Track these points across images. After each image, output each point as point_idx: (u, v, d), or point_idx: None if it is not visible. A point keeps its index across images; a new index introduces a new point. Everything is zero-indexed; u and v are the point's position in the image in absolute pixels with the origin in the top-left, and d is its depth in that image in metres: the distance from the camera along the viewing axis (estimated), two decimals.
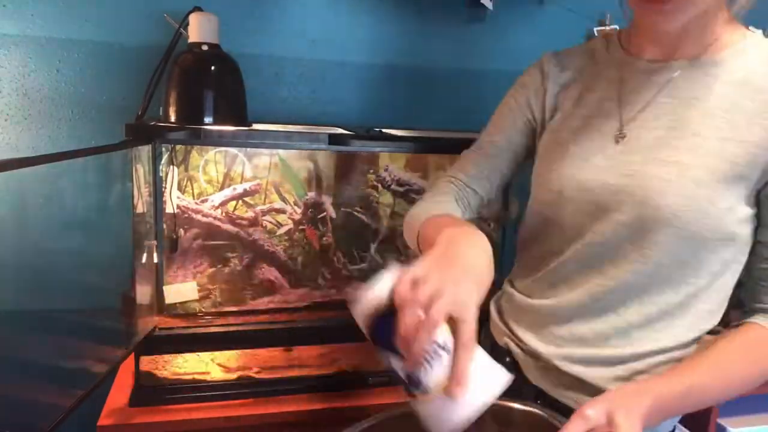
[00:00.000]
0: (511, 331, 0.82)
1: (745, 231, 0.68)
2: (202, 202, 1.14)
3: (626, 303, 0.71)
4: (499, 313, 0.87)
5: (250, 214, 1.18)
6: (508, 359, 0.81)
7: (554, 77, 0.82)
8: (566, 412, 0.63)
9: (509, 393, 0.56)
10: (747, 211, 0.67)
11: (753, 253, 0.70)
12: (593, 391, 0.71)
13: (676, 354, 0.71)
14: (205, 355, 1.06)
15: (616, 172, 0.70)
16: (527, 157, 0.86)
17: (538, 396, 0.77)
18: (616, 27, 1.43)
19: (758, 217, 0.69)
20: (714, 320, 0.72)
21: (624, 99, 0.73)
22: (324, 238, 1.23)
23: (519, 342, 0.80)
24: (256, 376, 1.07)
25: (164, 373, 1.04)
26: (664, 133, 0.69)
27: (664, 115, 0.70)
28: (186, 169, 1.12)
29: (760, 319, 0.69)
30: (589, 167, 0.72)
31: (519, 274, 0.85)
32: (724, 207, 0.65)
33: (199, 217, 1.14)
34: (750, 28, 0.72)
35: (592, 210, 0.72)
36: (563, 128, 0.78)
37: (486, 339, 0.87)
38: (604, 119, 0.74)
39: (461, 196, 0.85)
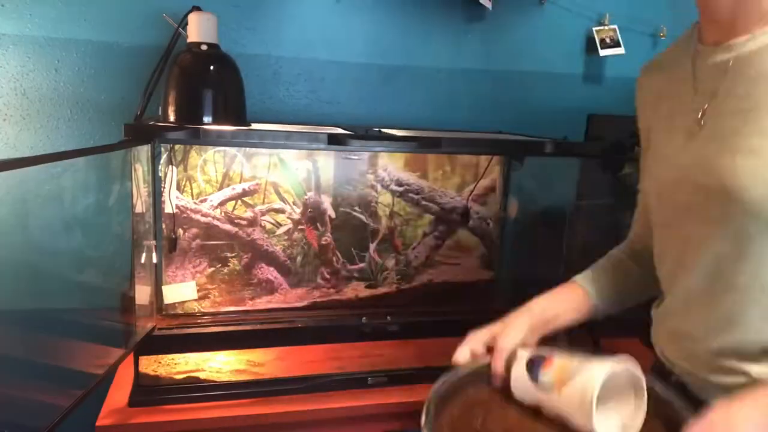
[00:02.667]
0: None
1: None
2: (201, 201, 1.14)
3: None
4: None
5: (249, 213, 1.17)
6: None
7: (646, 88, 0.81)
8: None
9: None
10: None
11: None
12: None
13: None
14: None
15: (698, 170, 0.67)
16: None
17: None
18: (616, 27, 1.44)
19: None
20: None
21: (698, 89, 0.70)
22: (323, 238, 1.23)
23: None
24: (257, 376, 1.07)
25: (163, 373, 1.04)
26: (741, 118, 0.64)
27: (736, 98, 0.65)
28: (185, 169, 1.12)
29: None
30: (673, 167, 0.71)
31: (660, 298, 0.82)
32: None
33: (198, 216, 1.14)
34: None
35: (679, 208, 0.70)
36: (657, 133, 0.77)
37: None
38: (684, 115, 0.72)
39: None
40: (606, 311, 0.85)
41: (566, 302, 0.84)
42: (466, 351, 0.76)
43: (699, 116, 0.69)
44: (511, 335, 0.77)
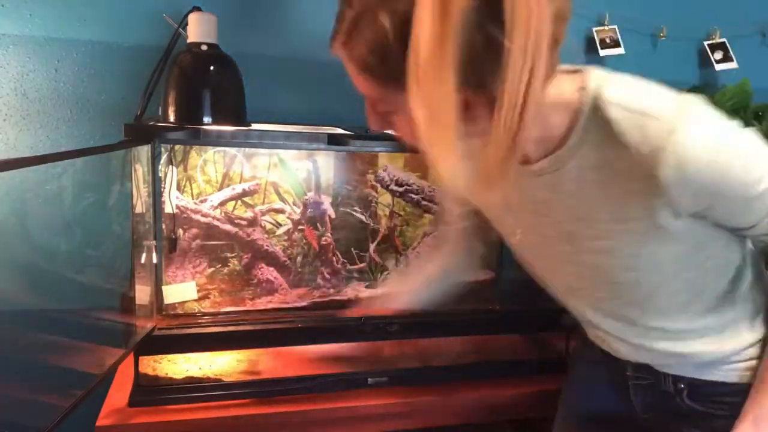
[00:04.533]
0: None
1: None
2: (201, 202, 1.14)
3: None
4: None
5: (249, 214, 1.17)
6: None
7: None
8: None
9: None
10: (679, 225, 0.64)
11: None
12: None
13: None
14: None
15: (563, 255, 0.75)
16: None
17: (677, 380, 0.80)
18: (616, 27, 1.44)
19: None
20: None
21: (523, 198, 0.73)
22: (323, 238, 1.23)
23: None
24: (257, 376, 1.07)
25: (163, 373, 1.04)
26: (579, 225, 0.69)
27: (567, 209, 0.69)
28: (185, 169, 1.12)
29: None
30: (534, 245, 0.80)
31: None
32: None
33: (198, 217, 1.14)
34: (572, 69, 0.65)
35: (547, 263, 0.80)
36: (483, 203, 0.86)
37: None
38: (518, 211, 0.77)
39: None
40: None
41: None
42: None
43: (527, 221, 0.75)
44: None
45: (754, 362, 0.74)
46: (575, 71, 0.64)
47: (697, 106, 0.59)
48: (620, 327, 0.78)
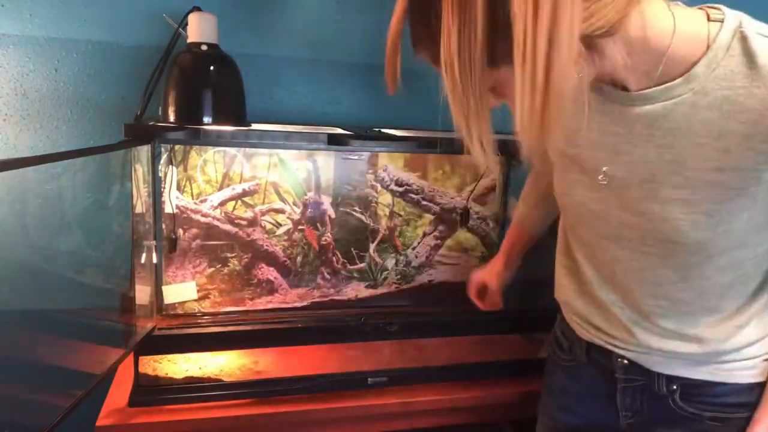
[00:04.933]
0: None
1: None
2: (201, 202, 1.14)
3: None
4: None
5: (249, 214, 1.18)
6: None
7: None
8: None
9: None
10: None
11: None
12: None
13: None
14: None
15: (625, 212, 0.69)
16: None
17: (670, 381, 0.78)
18: None
19: None
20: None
21: (609, 128, 0.68)
22: (323, 238, 1.23)
23: None
24: (257, 376, 1.07)
25: (163, 373, 1.04)
26: (663, 168, 0.65)
27: (655, 148, 0.65)
28: (185, 169, 1.12)
29: None
30: (592, 199, 0.73)
31: None
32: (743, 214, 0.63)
33: (198, 217, 1.14)
34: (706, 6, 0.62)
35: (608, 236, 0.74)
36: (559, 149, 0.78)
37: None
38: (595, 150, 0.71)
39: None
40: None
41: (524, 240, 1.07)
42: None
43: (609, 156, 0.68)
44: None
45: (750, 361, 0.73)
46: (708, 6, 0.61)
47: None
48: (639, 294, 0.74)
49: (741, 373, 0.74)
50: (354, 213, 1.25)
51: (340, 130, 1.14)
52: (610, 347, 0.81)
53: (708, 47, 0.58)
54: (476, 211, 1.34)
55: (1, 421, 0.78)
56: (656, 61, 0.59)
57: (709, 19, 0.60)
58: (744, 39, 0.57)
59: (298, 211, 1.21)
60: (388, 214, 1.27)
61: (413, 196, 1.28)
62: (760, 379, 0.74)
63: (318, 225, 1.23)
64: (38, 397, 0.86)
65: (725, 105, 0.59)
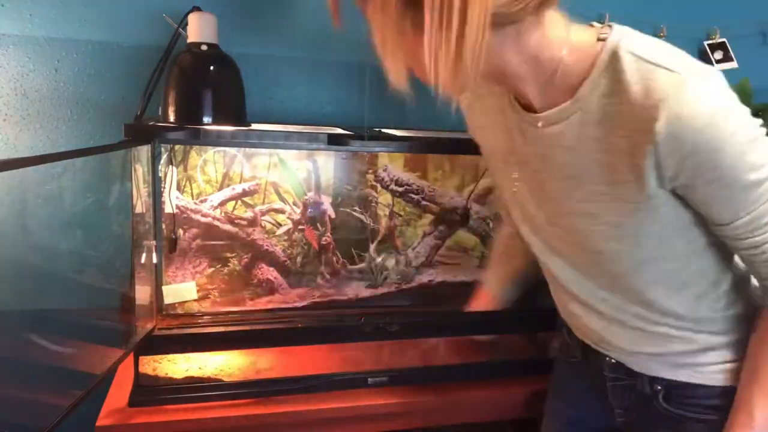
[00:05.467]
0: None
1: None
2: (201, 202, 1.14)
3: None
4: None
5: (249, 214, 1.17)
6: None
7: (471, 115, 0.86)
8: None
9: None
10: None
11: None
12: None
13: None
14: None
15: (548, 219, 0.75)
16: None
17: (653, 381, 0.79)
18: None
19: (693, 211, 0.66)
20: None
21: (518, 147, 0.74)
22: (323, 238, 1.23)
23: None
24: (257, 376, 1.07)
25: (163, 373, 1.04)
26: (568, 184, 0.69)
27: (558, 167, 0.69)
28: (185, 169, 1.12)
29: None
30: (520, 209, 0.80)
31: None
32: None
33: (198, 217, 1.14)
34: (593, 23, 0.66)
35: (542, 243, 0.79)
36: (493, 166, 0.86)
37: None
38: (508, 163, 0.78)
39: None
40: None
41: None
42: None
43: (520, 172, 0.76)
44: None
45: (729, 365, 0.74)
46: (600, 27, 0.64)
47: (715, 73, 0.58)
48: (594, 305, 0.78)
49: (717, 375, 0.75)
50: (354, 213, 1.25)
51: (340, 130, 1.13)
52: (597, 347, 0.83)
53: (593, 66, 0.62)
54: (476, 211, 1.34)
55: (1, 421, 0.78)
56: (550, 74, 0.63)
57: (597, 39, 0.62)
58: (616, 58, 0.60)
59: (298, 211, 1.21)
60: (388, 214, 1.27)
61: (413, 196, 1.28)
62: (736, 382, 0.74)
63: (318, 225, 1.23)
64: (38, 397, 0.86)
65: (607, 121, 0.62)
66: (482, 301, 1.11)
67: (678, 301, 0.72)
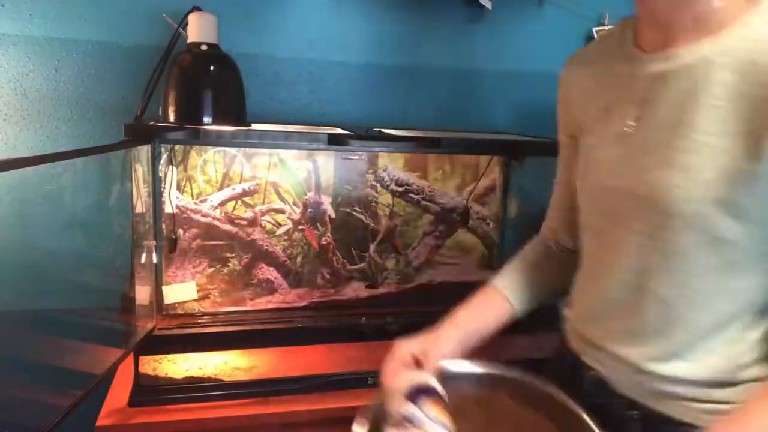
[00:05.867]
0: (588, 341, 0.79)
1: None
2: (201, 202, 1.14)
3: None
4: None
5: (249, 214, 1.18)
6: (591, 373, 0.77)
7: (574, 84, 0.80)
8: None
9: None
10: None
11: None
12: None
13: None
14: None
15: (632, 180, 0.67)
16: None
17: (631, 406, 0.72)
18: None
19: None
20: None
21: (631, 96, 0.68)
22: (323, 238, 1.23)
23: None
24: (257, 376, 1.07)
25: (163, 373, 1.04)
26: (674, 132, 0.63)
27: (670, 110, 0.63)
28: (185, 169, 1.12)
29: None
30: (606, 173, 0.70)
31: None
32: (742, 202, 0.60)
33: (198, 217, 1.14)
34: None
35: (610, 214, 0.70)
36: (588, 134, 0.76)
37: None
38: (617, 120, 0.70)
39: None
40: (524, 312, 0.85)
41: (489, 313, 0.84)
42: (395, 366, 0.76)
43: (632, 123, 0.68)
44: (441, 349, 0.78)
45: (713, 405, 0.67)
46: None
47: None
48: (622, 277, 0.70)
49: (702, 416, 0.67)
50: (354, 213, 1.25)
51: (339, 130, 1.13)
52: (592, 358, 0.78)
53: (746, 7, 0.59)
54: (476, 211, 1.34)
55: (1, 421, 0.78)
56: (706, 5, 0.60)
57: None
58: None
59: (298, 211, 1.21)
60: (388, 214, 1.27)
61: (413, 196, 1.28)
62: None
63: (318, 225, 1.23)
64: (38, 397, 0.86)
65: (749, 72, 0.58)
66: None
67: (715, 326, 0.66)
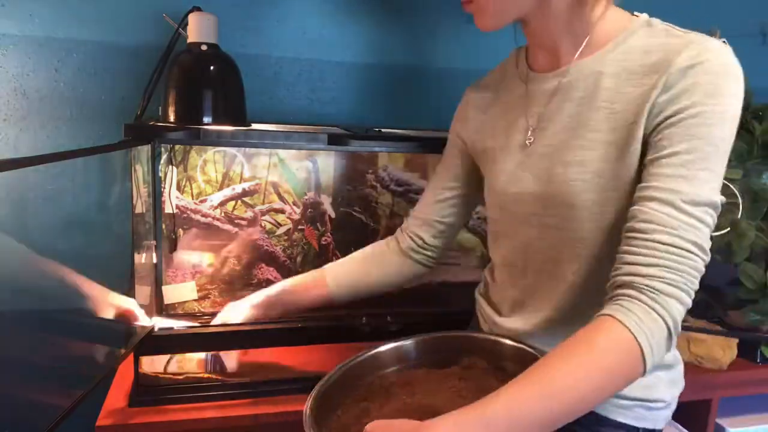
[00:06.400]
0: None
1: None
2: (201, 202, 1.14)
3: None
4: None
5: (249, 214, 1.18)
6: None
7: (474, 103, 0.90)
8: None
9: None
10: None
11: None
12: None
13: None
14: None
15: (536, 182, 0.75)
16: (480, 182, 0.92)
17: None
18: None
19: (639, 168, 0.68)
20: None
21: (530, 110, 0.79)
22: (323, 238, 1.23)
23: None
24: (257, 376, 1.07)
25: (163, 373, 1.04)
26: (569, 134, 0.73)
27: (565, 118, 0.74)
28: (185, 169, 1.12)
29: (612, 309, 0.61)
30: (513, 181, 0.79)
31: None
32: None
33: (198, 217, 1.14)
34: (635, 13, 0.75)
35: (525, 219, 0.78)
36: (491, 151, 0.84)
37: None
38: (518, 133, 0.80)
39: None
40: (342, 297, 1.00)
41: (306, 289, 0.99)
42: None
43: (530, 134, 0.78)
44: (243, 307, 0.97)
45: (639, 409, 0.76)
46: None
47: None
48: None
49: (624, 412, 0.77)
50: (354, 213, 1.25)
51: (339, 130, 1.14)
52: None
53: (626, 27, 0.72)
54: (476, 211, 1.34)
55: (1, 421, 0.78)
56: (585, 30, 0.73)
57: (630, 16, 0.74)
58: (649, 24, 0.72)
59: (298, 211, 1.21)
60: (388, 214, 1.27)
61: (413, 196, 1.28)
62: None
63: (318, 225, 1.23)
64: (38, 397, 0.86)
65: (622, 74, 0.70)
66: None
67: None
